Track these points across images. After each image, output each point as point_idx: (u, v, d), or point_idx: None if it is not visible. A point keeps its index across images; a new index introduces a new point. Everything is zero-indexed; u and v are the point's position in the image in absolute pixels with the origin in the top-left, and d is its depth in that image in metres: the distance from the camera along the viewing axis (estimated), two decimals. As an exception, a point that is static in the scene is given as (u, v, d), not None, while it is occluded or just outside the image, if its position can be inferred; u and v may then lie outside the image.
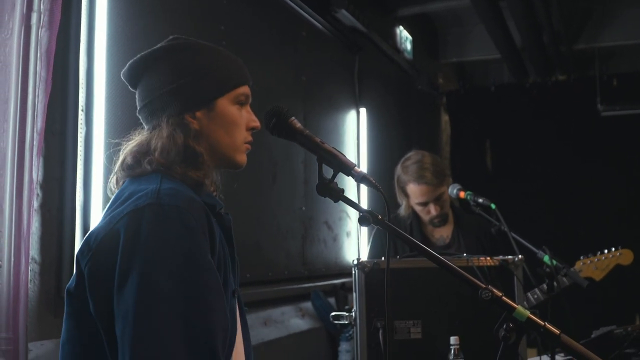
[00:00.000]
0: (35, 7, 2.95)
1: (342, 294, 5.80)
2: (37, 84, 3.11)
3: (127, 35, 3.67)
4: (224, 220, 2.02)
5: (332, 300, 5.76)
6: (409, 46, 8.08)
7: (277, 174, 5.22)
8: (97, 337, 1.77)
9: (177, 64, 2.06)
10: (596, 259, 3.89)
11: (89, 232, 1.85)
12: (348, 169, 1.85)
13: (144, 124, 2.09)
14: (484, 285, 1.68)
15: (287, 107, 1.91)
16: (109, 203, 1.93)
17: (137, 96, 2.09)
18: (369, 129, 6.85)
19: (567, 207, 8.46)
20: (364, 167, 6.69)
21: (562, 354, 3.08)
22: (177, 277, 1.69)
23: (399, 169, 4.07)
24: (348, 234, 6.40)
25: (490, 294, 1.67)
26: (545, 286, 3.50)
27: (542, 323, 1.64)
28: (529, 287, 3.57)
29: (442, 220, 4.02)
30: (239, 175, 4.67)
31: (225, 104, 2.03)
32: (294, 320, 5.28)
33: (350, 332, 5.20)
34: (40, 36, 3.01)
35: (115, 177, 2.03)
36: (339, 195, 1.84)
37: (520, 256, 2.95)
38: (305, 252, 5.62)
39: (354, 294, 2.81)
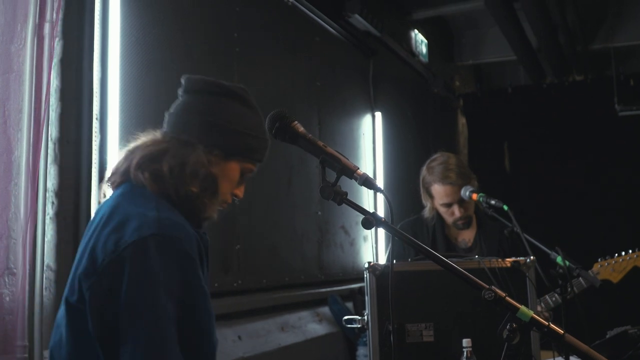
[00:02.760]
0: (48, 17, 2.98)
1: (359, 299, 5.79)
2: (52, 93, 3.15)
3: (141, 44, 3.70)
4: (204, 241, 2.10)
5: (349, 305, 5.76)
6: (424, 49, 8.08)
7: (292, 179, 5.23)
8: (92, 348, 1.87)
9: (229, 108, 2.17)
10: (613, 261, 3.86)
11: (92, 252, 1.92)
12: (350, 171, 1.85)
13: (167, 125, 2.19)
14: (487, 286, 1.68)
15: (289, 111, 1.92)
16: (102, 215, 2.02)
17: (187, 104, 2.20)
18: (385, 133, 6.85)
19: (585, 208, 8.41)
20: (380, 172, 6.69)
21: (575, 356, 3.06)
22: (180, 304, 1.85)
23: (424, 170, 4.07)
24: (365, 239, 6.40)
25: (493, 294, 1.67)
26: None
27: (546, 323, 1.64)
28: (542, 288, 3.56)
29: (466, 223, 4.01)
30: (255, 180, 4.69)
31: (236, 167, 2.18)
32: (311, 325, 5.28)
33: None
34: (54, 46, 3.05)
35: (113, 178, 2.15)
36: (342, 198, 1.84)
37: (532, 257, 2.94)
38: (321, 257, 5.63)
39: (366, 297, 2.82)
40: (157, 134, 2.16)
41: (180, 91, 2.27)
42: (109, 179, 2.16)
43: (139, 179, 2.06)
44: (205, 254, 2.08)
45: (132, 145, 2.16)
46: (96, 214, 2.11)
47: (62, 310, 2.01)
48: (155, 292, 1.82)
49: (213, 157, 2.11)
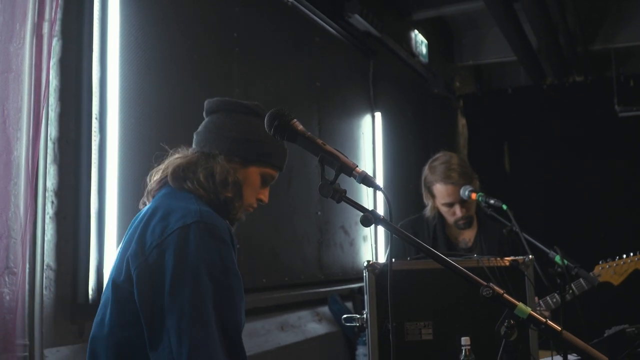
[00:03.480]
0: (47, 16, 2.98)
1: (359, 298, 5.80)
2: (51, 92, 3.15)
3: (140, 43, 3.70)
4: (232, 238, 2.32)
5: (349, 304, 5.76)
6: (424, 50, 8.08)
7: (292, 179, 5.23)
8: (136, 321, 2.12)
9: (245, 121, 2.45)
10: (615, 264, 3.84)
11: (141, 238, 2.20)
12: (349, 169, 1.86)
13: (196, 144, 2.47)
14: (485, 283, 1.69)
15: (289, 109, 1.92)
16: (147, 210, 2.31)
17: (208, 122, 2.48)
18: (385, 134, 6.85)
19: (585, 209, 8.40)
20: (379, 172, 6.69)
21: (574, 354, 3.06)
22: (217, 281, 2.09)
23: (426, 170, 4.07)
24: (365, 238, 6.40)
25: (491, 291, 1.67)
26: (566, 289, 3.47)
27: (544, 320, 1.64)
28: (541, 287, 3.55)
29: (467, 222, 4.00)
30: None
31: (256, 172, 2.45)
32: (311, 324, 5.28)
33: (368, 336, 5.20)
34: (52, 45, 3.04)
35: (152, 187, 2.45)
36: (341, 195, 1.85)
37: (530, 256, 2.94)
38: (321, 257, 5.63)
39: (365, 296, 2.82)
40: (185, 151, 2.46)
41: (204, 114, 2.53)
42: (149, 190, 2.45)
43: (177, 184, 2.35)
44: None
45: (165, 161, 2.44)
46: (138, 215, 2.39)
47: (107, 291, 2.27)
48: (196, 269, 2.07)
49: (234, 165, 2.39)
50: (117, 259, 2.31)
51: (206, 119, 2.51)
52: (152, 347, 2.08)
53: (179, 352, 2.01)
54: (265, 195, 2.53)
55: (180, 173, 2.35)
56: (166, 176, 2.38)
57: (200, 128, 2.50)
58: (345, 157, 1.88)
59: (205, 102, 2.53)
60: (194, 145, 2.48)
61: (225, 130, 2.42)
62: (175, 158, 2.42)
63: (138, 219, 2.34)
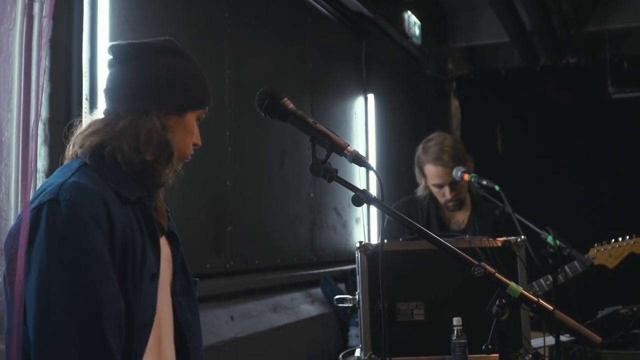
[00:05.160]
0: (38, -4, 2.96)
1: (352, 280, 5.81)
2: (41, 73, 3.13)
3: (130, 23, 3.68)
4: (144, 208, 2.08)
5: (342, 286, 5.77)
6: (417, 31, 8.04)
7: (285, 161, 5.22)
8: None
9: (167, 65, 2.15)
10: (610, 247, 3.82)
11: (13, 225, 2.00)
12: (341, 148, 1.85)
13: (111, 102, 2.14)
14: (476, 263, 1.68)
15: (279, 88, 1.91)
16: None
17: (112, 76, 2.16)
18: (377, 115, 6.83)
19: (579, 191, 8.42)
20: (372, 153, 6.68)
21: (566, 335, 3.07)
22: (69, 268, 1.85)
23: (419, 149, 4.08)
24: (357, 220, 6.40)
25: (482, 270, 1.67)
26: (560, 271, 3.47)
27: (536, 299, 1.64)
28: (533, 267, 3.56)
29: (457, 204, 4.02)
30: (247, 162, 4.67)
31: (192, 118, 2.17)
32: (303, 306, 5.29)
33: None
34: (43, 25, 3.02)
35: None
36: (332, 175, 1.84)
37: (522, 237, 2.95)
38: (314, 239, 5.63)
39: (357, 276, 2.82)
40: (101, 115, 2.16)
41: (110, 62, 2.20)
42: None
43: (93, 159, 2.06)
44: (143, 217, 2.07)
45: (79, 130, 2.17)
46: None
47: None
48: (44, 253, 1.84)
49: (169, 119, 2.11)
50: None
51: (119, 69, 2.15)
52: None
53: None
54: (198, 138, 2.24)
55: (99, 142, 2.06)
56: (76, 151, 2.11)
57: (114, 82, 2.15)
58: (337, 136, 1.87)
59: (112, 48, 2.17)
60: (109, 104, 2.15)
61: (153, 80, 2.10)
62: (100, 125, 2.12)
63: None
